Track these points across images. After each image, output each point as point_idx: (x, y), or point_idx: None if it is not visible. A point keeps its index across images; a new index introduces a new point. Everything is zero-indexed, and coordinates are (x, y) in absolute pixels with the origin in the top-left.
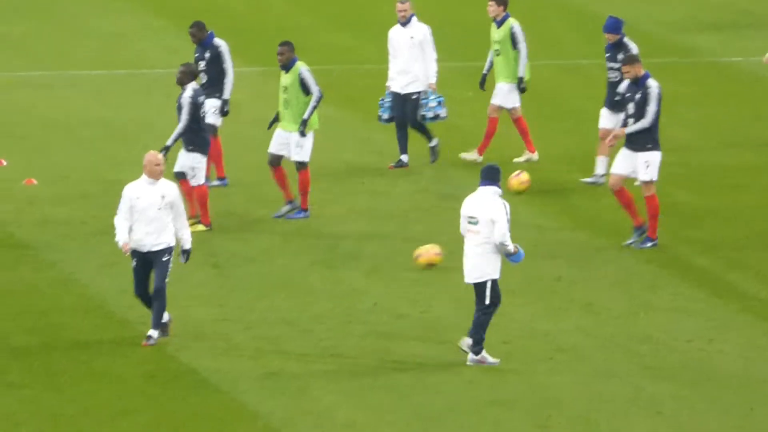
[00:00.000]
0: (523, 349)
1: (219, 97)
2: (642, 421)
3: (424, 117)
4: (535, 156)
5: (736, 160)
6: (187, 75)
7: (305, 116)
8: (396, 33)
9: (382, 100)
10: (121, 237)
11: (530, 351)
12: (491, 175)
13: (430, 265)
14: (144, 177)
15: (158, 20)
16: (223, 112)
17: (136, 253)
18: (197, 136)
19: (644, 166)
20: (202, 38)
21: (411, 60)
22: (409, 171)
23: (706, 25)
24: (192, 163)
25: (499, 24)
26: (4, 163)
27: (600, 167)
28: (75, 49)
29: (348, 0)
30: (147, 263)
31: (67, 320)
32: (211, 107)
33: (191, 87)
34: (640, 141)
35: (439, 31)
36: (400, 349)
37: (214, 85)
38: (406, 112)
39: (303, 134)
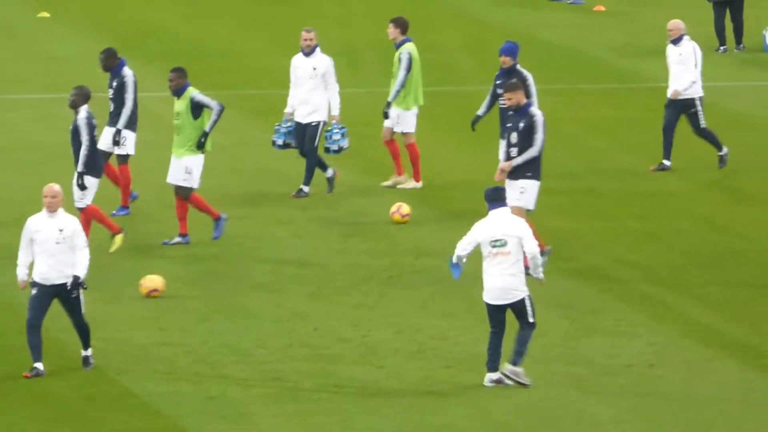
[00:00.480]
0: (466, 373)
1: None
2: None
3: (328, 149)
4: (403, 178)
5: (677, 185)
6: (81, 97)
7: (207, 129)
8: (299, 62)
9: (278, 126)
10: (19, 273)
11: (473, 375)
12: (498, 196)
13: (152, 293)
14: (44, 210)
15: (102, 44)
16: (114, 142)
17: (38, 285)
18: (91, 159)
19: (518, 191)
20: (111, 66)
21: (312, 90)
22: (351, 193)
23: (648, 50)
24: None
25: (397, 47)
26: None
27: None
28: (17, 72)
29: (292, 24)
30: (50, 297)
31: (7, 343)
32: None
33: (84, 109)
34: (520, 169)
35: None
36: (341, 372)
37: (119, 114)
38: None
39: (201, 146)
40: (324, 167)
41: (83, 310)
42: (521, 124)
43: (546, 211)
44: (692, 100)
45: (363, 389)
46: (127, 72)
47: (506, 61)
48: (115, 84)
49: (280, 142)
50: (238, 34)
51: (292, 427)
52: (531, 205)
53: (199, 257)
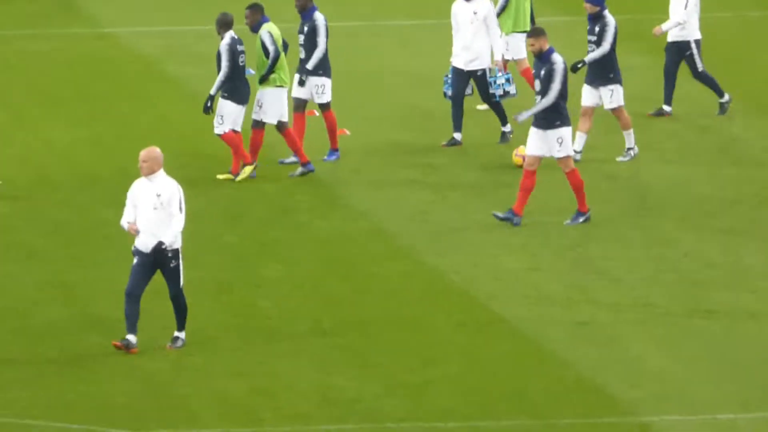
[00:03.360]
0: None
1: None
2: None
3: (493, 95)
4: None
5: None
6: (222, 25)
7: (264, 71)
8: (459, 7)
9: (446, 76)
10: (125, 219)
11: None
12: None
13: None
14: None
15: None
16: (301, 82)
17: (138, 253)
18: (233, 85)
19: (557, 143)
20: (305, 7)
21: (473, 36)
22: (725, 118)
23: None
24: (221, 111)
25: None
26: (317, 113)
27: (578, 143)
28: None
29: None
30: (150, 266)
31: (377, 269)
32: (314, 85)
33: (229, 35)
34: (547, 118)
35: None
36: (710, 297)
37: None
38: (475, 90)
39: (262, 80)
40: (457, 127)
41: (182, 283)
42: (542, 72)
43: None
44: (687, 42)
45: (733, 314)
46: (319, 16)
47: (589, 8)
48: (306, 29)
49: (450, 93)
50: None
51: (662, 351)
52: (571, 151)
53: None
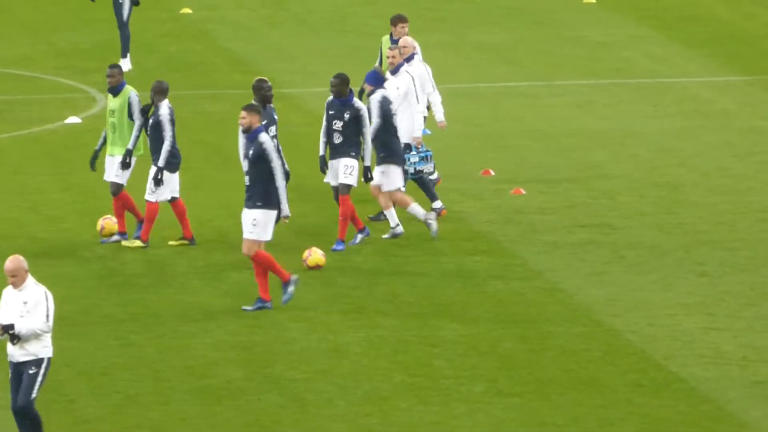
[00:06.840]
0: None
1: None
2: None
3: (406, 172)
4: None
5: None
6: (160, 93)
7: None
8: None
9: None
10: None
11: None
12: None
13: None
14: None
15: (643, 29)
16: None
17: (10, 364)
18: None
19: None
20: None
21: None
22: None
23: None
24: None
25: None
26: (492, 173)
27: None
28: (561, 59)
29: None
30: (20, 376)
31: (555, 329)
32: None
33: (165, 104)
34: (254, 198)
35: None
36: None
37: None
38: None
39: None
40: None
41: (33, 395)
42: (251, 150)
43: None
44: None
45: None
46: (361, 105)
47: (367, 88)
48: (347, 116)
49: (411, 170)
50: None
51: None
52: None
53: (748, 241)
